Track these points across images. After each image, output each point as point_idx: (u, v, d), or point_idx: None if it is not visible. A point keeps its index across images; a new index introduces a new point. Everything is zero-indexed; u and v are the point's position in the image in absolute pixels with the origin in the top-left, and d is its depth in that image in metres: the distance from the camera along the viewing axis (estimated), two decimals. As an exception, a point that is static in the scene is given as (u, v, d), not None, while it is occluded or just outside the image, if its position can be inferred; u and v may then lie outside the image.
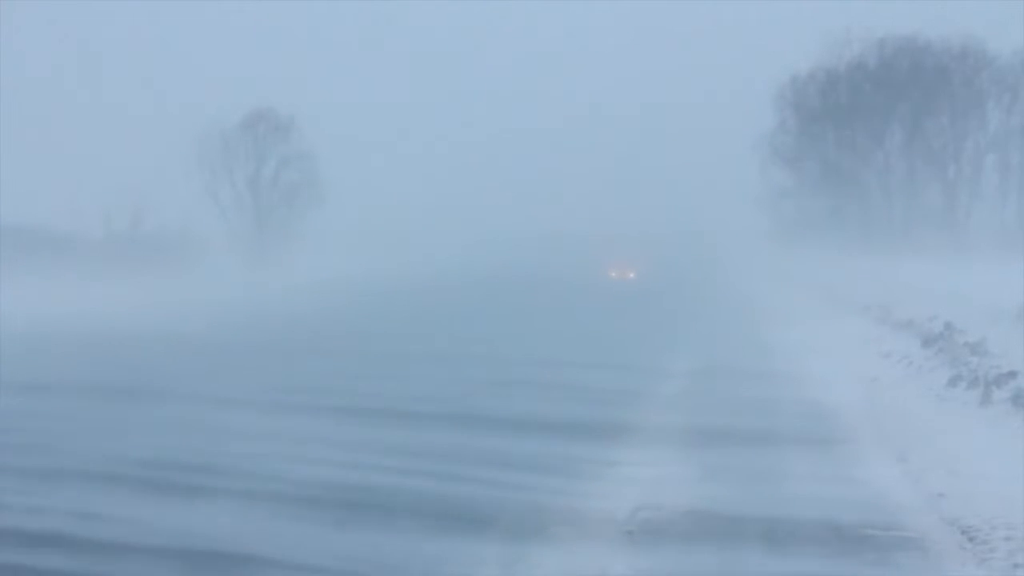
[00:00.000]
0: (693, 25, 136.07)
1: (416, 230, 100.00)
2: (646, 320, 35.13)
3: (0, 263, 48.90)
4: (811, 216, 70.31)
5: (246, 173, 73.50)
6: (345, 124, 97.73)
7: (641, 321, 34.56)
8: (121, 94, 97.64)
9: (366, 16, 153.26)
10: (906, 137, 68.29)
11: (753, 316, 35.14)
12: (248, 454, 12.68)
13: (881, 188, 68.58)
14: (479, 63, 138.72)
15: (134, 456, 12.49)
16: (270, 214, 73.49)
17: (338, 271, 67.95)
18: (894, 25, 68.90)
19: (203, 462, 12.20)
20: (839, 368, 20.91)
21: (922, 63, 67.59)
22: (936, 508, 10.15)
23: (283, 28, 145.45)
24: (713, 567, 8.58)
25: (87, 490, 10.89)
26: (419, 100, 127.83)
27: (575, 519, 9.82)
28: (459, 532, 9.41)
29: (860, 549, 8.97)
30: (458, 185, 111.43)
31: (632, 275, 70.34)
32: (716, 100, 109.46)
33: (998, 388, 15.59)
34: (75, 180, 70.27)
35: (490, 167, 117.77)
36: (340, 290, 52.89)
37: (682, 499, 10.56)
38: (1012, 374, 15.96)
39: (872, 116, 68.35)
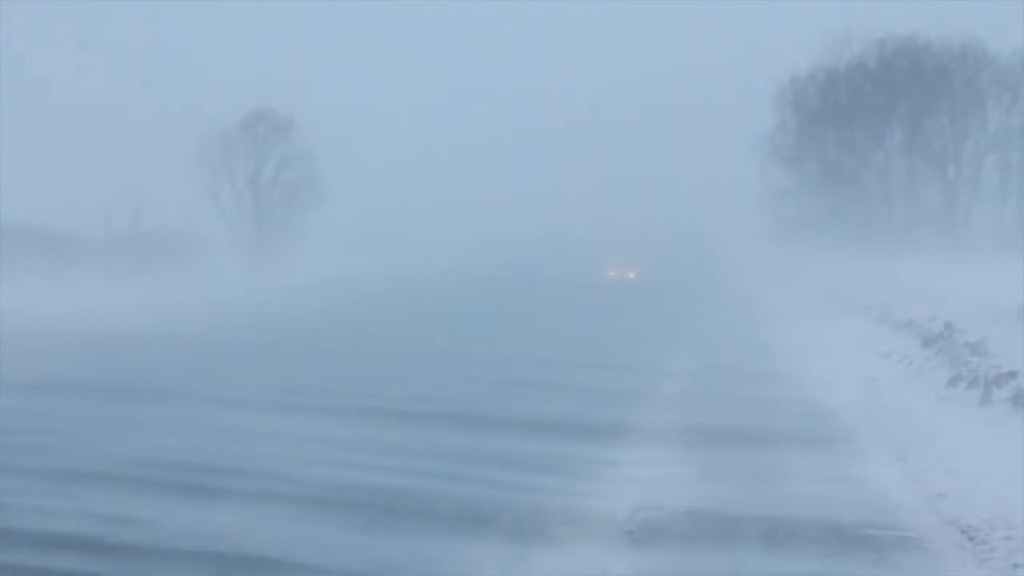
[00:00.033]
0: (693, 25, 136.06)
1: (416, 230, 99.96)
2: (646, 320, 35.14)
3: (0, 263, 48.84)
4: (811, 216, 70.31)
5: (246, 173, 73.46)
6: (345, 124, 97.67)
7: (641, 321, 34.57)
8: (121, 94, 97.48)
9: (366, 16, 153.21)
10: (906, 137, 68.29)
11: (753, 316, 35.16)
12: (248, 454, 12.68)
13: (881, 188, 68.57)
14: (479, 63, 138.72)
15: (134, 456, 12.48)
16: (270, 214, 73.44)
17: (338, 271, 67.91)
18: (894, 25, 68.96)
19: (203, 463, 12.20)
20: (839, 368, 20.93)
21: (922, 63, 67.59)
22: (936, 508, 10.16)
23: (283, 28, 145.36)
24: (713, 567, 8.58)
25: (87, 490, 10.88)
26: (419, 100, 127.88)
27: (575, 519, 9.82)
28: (459, 532, 9.41)
29: (860, 549, 8.98)
30: (458, 185, 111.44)
31: (632, 275, 70.35)
32: (716, 100, 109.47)
33: (998, 388, 15.60)
34: (75, 180, 70.21)
35: (490, 167, 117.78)
36: (340, 290, 52.86)
37: (682, 499, 10.56)
38: (1012, 374, 15.97)
39: (872, 116, 68.36)
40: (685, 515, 9.98)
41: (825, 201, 69.74)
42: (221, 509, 10.12)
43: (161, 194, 63.73)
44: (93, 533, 9.31)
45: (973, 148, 67.94)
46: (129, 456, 12.50)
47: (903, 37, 67.95)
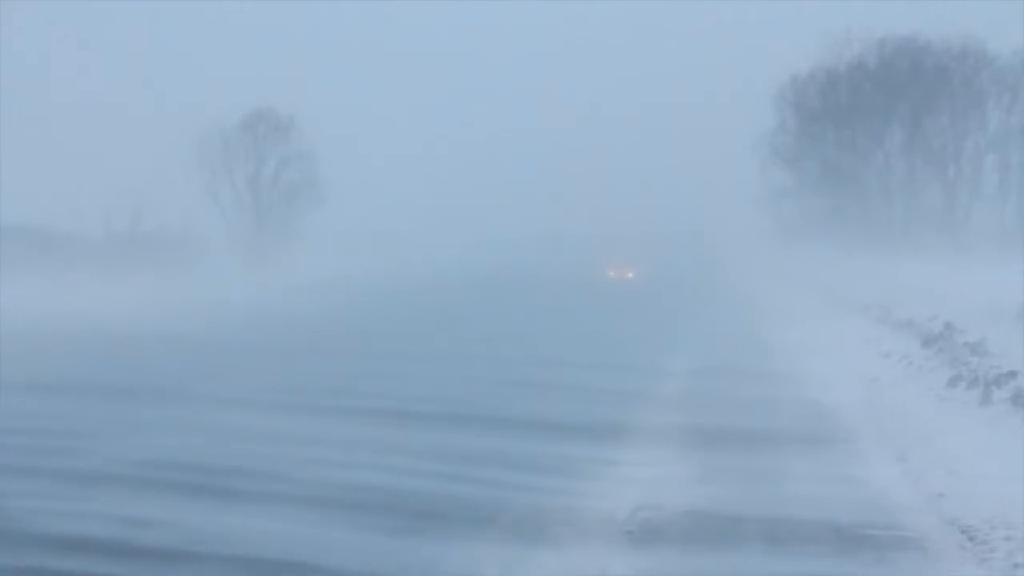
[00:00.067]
0: (693, 25, 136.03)
1: (416, 230, 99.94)
2: (646, 320, 35.14)
3: (0, 263, 48.83)
4: (811, 216, 70.23)
5: (246, 173, 73.42)
6: (345, 124, 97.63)
7: (641, 321, 34.57)
8: (121, 94, 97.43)
9: (366, 16, 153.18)
10: (906, 137, 68.23)
11: (753, 316, 35.16)
12: (248, 454, 12.68)
13: (881, 188, 68.52)
14: (479, 63, 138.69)
15: (135, 457, 12.49)
16: (270, 214, 73.41)
17: (338, 271, 67.93)
18: (894, 25, 68.85)
19: (203, 463, 12.20)
20: (839, 368, 20.94)
21: (922, 63, 67.53)
22: (936, 508, 10.16)
23: (283, 28, 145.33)
24: (713, 567, 8.58)
25: (88, 491, 10.88)
26: (419, 100, 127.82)
27: (575, 519, 9.82)
28: (459, 532, 9.41)
29: (860, 549, 8.98)
30: (458, 185, 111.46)
31: (631, 275, 70.34)
32: (716, 100, 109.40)
33: (998, 388, 15.60)
34: (75, 180, 70.22)
35: (490, 167, 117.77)
36: (340, 290, 52.87)
37: (682, 499, 10.56)
38: (1012, 374, 15.97)
39: (872, 116, 68.31)
40: (685, 515, 9.99)
41: (825, 201, 69.67)
42: (219, 509, 10.12)
43: (161, 194, 63.74)
44: (93, 534, 9.31)
45: (973, 148, 67.89)
46: (129, 456, 12.50)
47: (903, 37, 67.90)
